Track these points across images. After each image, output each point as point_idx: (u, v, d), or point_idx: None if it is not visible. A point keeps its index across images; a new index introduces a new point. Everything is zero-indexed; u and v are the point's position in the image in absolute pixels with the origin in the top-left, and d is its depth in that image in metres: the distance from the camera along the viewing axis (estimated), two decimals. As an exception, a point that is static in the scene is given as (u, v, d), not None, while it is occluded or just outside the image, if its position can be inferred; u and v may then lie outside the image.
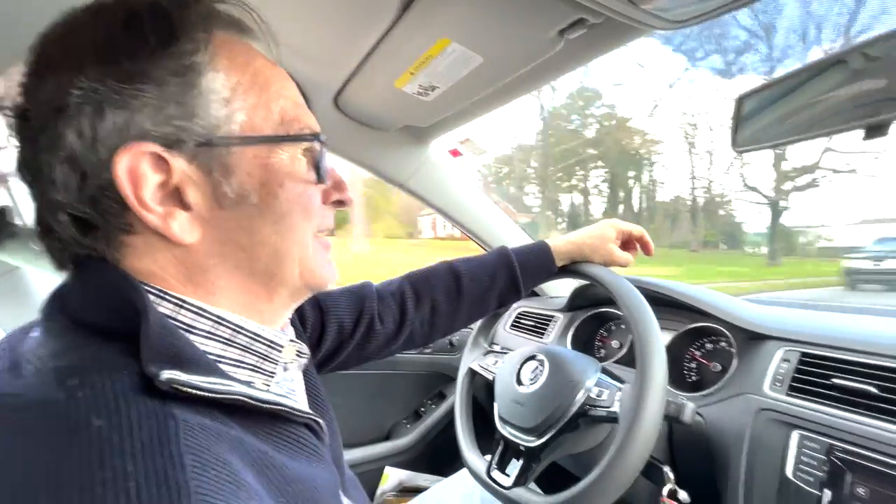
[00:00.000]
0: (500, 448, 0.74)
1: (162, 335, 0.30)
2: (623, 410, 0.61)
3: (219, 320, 0.35)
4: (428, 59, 0.69)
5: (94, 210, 0.32)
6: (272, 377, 0.39)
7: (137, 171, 0.31)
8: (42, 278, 1.11)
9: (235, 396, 0.32)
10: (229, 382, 0.32)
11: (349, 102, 0.91)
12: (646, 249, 0.85)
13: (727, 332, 0.80)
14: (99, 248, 0.33)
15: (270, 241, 0.37)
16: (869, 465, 0.53)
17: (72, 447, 0.25)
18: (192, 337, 0.34)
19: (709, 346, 0.85)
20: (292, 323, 0.55)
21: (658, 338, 0.63)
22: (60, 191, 0.31)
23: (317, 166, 0.39)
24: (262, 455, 0.32)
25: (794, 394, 0.64)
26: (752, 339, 0.75)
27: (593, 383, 0.68)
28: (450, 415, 1.36)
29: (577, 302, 1.10)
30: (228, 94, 0.34)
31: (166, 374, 0.28)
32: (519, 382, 0.75)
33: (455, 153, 1.18)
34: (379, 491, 1.23)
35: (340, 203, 0.43)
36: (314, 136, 0.39)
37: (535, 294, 1.30)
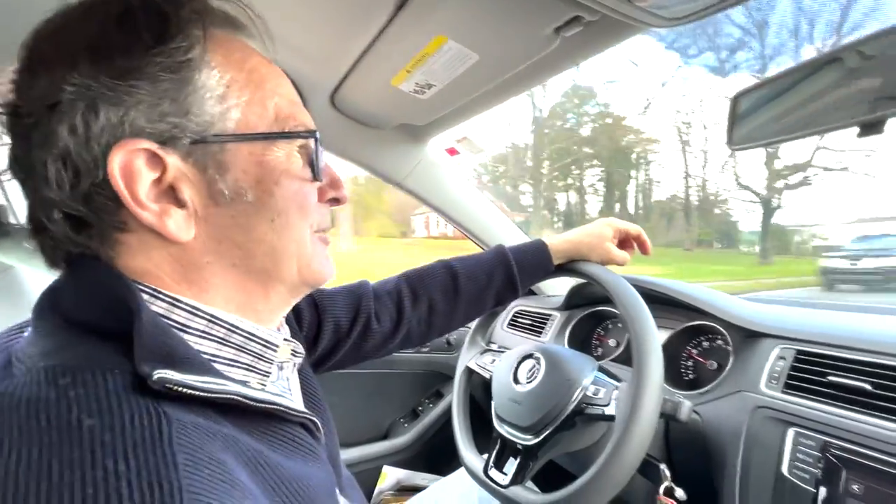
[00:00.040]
0: (497, 446, 0.74)
1: (155, 334, 0.30)
2: (619, 409, 0.61)
3: (213, 319, 0.35)
4: (424, 56, 0.69)
5: (87, 208, 0.32)
6: (268, 376, 0.39)
7: (132, 169, 0.31)
8: (35, 277, 1.10)
9: (229, 396, 0.32)
10: (223, 382, 0.32)
11: (345, 100, 0.91)
12: (643, 248, 0.85)
13: (723, 331, 0.81)
14: (93, 246, 0.33)
15: (267, 239, 0.37)
16: (864, 462, 0.53)
17: (63, 447, 0.24)
18: (185, 336, 0.33)
19: (705, 344, 0.86)
20: (288, 322, 0.55)
21: (654, 336, 0.63)
22: (53, 188, 0.31)
23: (312, 164, 0.39)
24: (257, 454, 0.32)
25: (789, 391, 0.64)
26: (749, 337, 0.76)
27: (590, 382, 0.68)
28: (447, 414, 1.36)
29: (574, 300, 1.10)
30: (223, 91, 0.34)
31: (159, 374, 0.28)
32: (516, 381, 0.75)
33: (452, 152, 1.17)
34: (377, 490, 1.22)
35: (336, 201, 0.43)
36: (310, 134, 0.38)
37: (532, 293, 1.30)
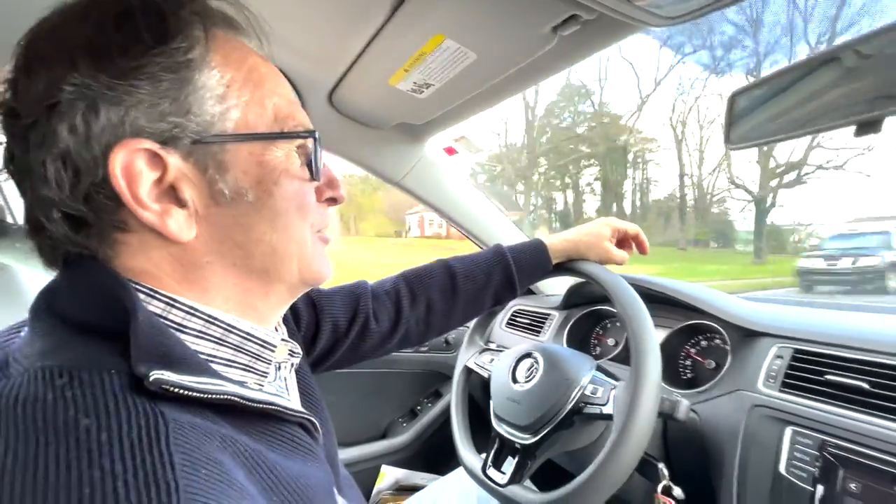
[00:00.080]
0: (495, 446, 0.74)
1: (151, 334, 0.30)
2: (617, 408, 0.61)
3: (210, 319, 0.35)
4: (422, 55, 0.69)
5: (87, 207, 0.32)
6: (265, 377, 0.39)
7: (133, 169, 0.31)
8: (32, 277, 1.10)
9: (226, 396, 0.31)
10: (220, 382, 0.32)
11: (343, 100, 0.91)
12: (641, 248, 0.85)
13: (721, 330, 0.81)
14: (91, 246, 0.33)
15: (267, 239, 0.37)
16: (861, 460, 0.54)
17: (60, 447, 0.24)
18: (182, 336, 0.33)
19: (703, 343, 0.86)
20: (286, 321, 0.55)
21: (652, 335, 0.63)
22: (53, 188, 0.31)
23: (310, 164, 0.39)
24: (255, 454, 0.32)
25: (787, 390, 0.65)
26: (747, 336, 0.76)
27: (588, 381, 0.68)
28: (446, 413, 1.36)
29: (572, 300, 1.10)
30: (223, 90, 0.34)
31: (155, 375, 0.28)
32: (514, 380, 0.75)
33: (450, 151, 1.17)
34: (375, 490, 1.22)
35: (333, 200, 0.43)
36: (309, 134, 0.39)
37: (530, 292, 1.31)
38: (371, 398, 1.36)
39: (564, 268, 0.80)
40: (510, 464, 0.71)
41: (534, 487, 0.70)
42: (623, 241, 0.84)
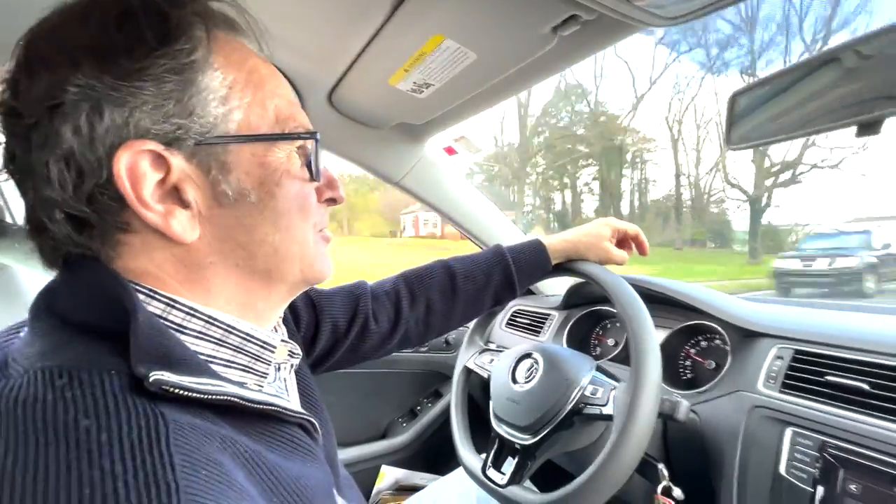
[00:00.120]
0: (495, 446, 0.74)
1: (151, 335, 0.30)
2: (617, 408, 0.61)
3: (210, 320, 0.35)
4: (422, 55, 0.69)
5: (90, 208, 0.32)
6: (265, 377, 0.39)
7: (137, 170, 0.31)
8: (32, 277, 1.09)
9: (226, 397, 0.31)
10: (220, 383, 0.32)
11: (343, 100, 0.91)
12: (640, 248, 0.85)
13: (721, 330, 0.81)
14: (94, 247, 0.33)
15: (270, 240, 0.37)
16: (861, 461, 0.54)
17: (60, 447, 0.24)
18: (182, 337, 0.33)
19: (703, 343, 0.86)
20: (285, 322, 0.55)
21: (653, 336, 0.63)
22: (56, 189, 0.31)
23: (310, 164, 0.39)
24: (255, 455, 0.32)
25: (787, 391, 0.65)
26: (747, 337, 0.76)
27: (588, 381, 0.68)
28: (446, 413, 1.36)
29: (572, 300, 1.10)
30: (225, 92, 0.34)
31: (155, 376, 0.28)
32: (514, 381, 0.75)
33: (450, 151, 1.17)
34: (375, 490, 1.22)
35: (333, 201, 0.43)
36: (310, 135, 0.39)
37: (530, 292, 1.30)
38: (371, 398, 1.36)
39: (564, 268, 0.80)
40: (510, 464, 0.71)
41: (534, 488, 0.70)
42: (623, 242, 0.84)
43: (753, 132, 0.58)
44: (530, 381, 0.72)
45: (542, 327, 1.14)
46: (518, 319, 1.23)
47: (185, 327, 0.34)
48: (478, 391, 1.13)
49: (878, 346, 0.61)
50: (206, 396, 0.30)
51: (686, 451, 0.71)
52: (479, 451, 0.81)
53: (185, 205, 0.34)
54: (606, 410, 0.63)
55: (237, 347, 0.36)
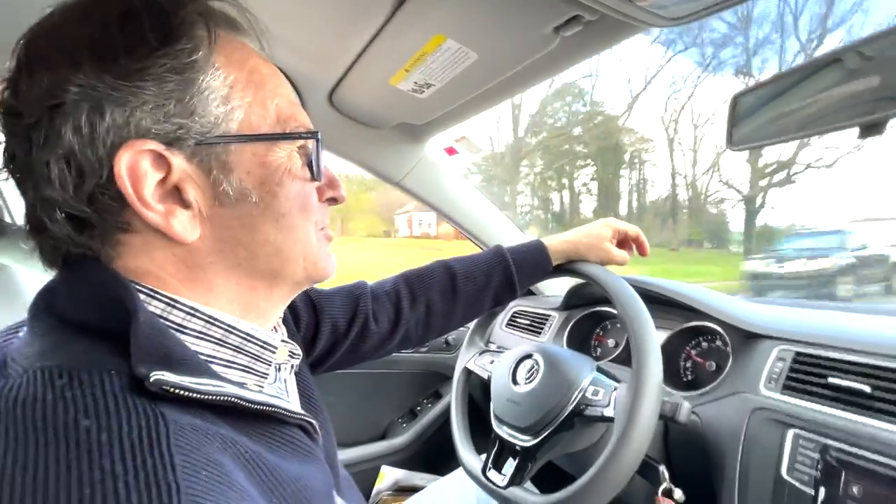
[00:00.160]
0: (495, 447, 0.74)
1: (151, 335, 0.30)
2: (618, 410, 0.61)
3: (211, 320, 0.35)
4: (423, 56, 0.69)
5: (91, 208, 0.32)
6: (265, 378, 0.39)
7: (138, 170, 0.31)
8: (31, 277, 1.09)
9: (226, 398, 0.31)
10: (220, 383, 0.32)
11: (344, 100, 0.91)
12: (641, 249, 0.85)
13: (722, 331, 0.81)
14: (94, 247, 0.33)
15: (272, 240, 0.37)
16: (863, 464, 0.53)
17: (60, 447, 0.24)
18: (183, 337, 0.33)
19: (704, 344, 0.85)
20: (285, 322, 0.55)
21: (653, 337, 0.63)
22: (56, 188, 0.31)
23: (311, 164, 0.39)
24: (255, 455, 0.32)
25: (788, 393, 0.64)
26: (748, 338, 0.76)
27: (589, 382, 0.67)
28: (446, 414, 1.36)
29: (573, 301, 1.10)
30: (226, 92, 0.34)
31: (155, 376, 0.28)
32: (514, 382, 0.75)
33: (451, 151, 1.17)
34: (375, 490, 1.22)
35: (333, 200, 0.43)
36: (311, 135, 0.39)
37: (530, 293, 1.30)
38: (371, 399, 1.35)
39: (564, 269, 0.79)
40: (510, 465, 0.70)
41: (534, 489, 0.70)
42: (623, 243, 0.84)
43: (755, 133, 0.58)
44: (531, 382, 0.72)
45: (542, 328, 1.14)
46: (518, 320, 1.23)
47: (185, 327, 0.34)
48: (478, 392, 1.13)
49: (880, 347, 0.61)
50: (206, 397, 0.30)
51: (687, 453, 0.71)
52: (479, 452, 0.81)
53: (185, 205, 0.34)
54: (607, 412, 0.63)
55: (237, 347, 0.36)
